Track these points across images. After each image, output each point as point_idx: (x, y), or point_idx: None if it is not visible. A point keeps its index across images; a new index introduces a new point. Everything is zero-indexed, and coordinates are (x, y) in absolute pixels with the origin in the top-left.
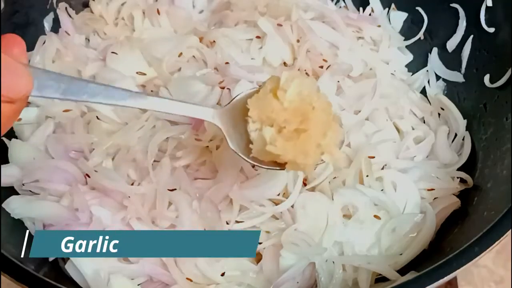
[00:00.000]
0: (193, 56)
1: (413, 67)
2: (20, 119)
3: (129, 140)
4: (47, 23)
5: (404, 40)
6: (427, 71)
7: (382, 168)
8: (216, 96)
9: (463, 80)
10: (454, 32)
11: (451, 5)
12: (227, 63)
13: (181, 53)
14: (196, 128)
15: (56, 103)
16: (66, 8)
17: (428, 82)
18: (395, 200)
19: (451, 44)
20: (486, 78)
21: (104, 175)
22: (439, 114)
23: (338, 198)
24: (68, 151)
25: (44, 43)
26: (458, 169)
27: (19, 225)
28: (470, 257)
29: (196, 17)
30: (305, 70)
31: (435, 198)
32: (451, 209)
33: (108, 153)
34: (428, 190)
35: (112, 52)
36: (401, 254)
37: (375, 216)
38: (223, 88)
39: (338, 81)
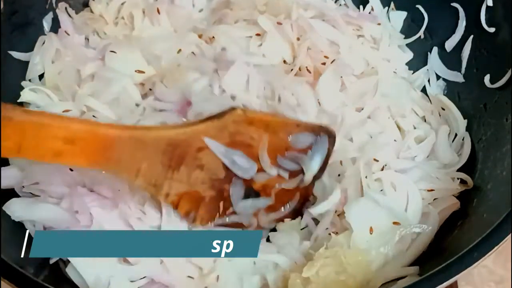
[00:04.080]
0: (192, 53)
1: (413, 66)
2: None
3: None
4: (46, 22)
5: (405, 38)
6: (428, 70)
7: (382, 169)
8: (215, 86)
9: (463, 80)
10: (454, 32)
11: (451, 4)
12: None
13: (180, 50)
14: (182, 112)
15: (55, 104)
16: (66, 8)
17: (429, 81)
18: (397, 201)
19: (450, 44)
20: (486, 79)
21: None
22: (439, 114)
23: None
24: None
25: (43, 43)
26: (458, 170)
27: (19, 228)
28: (469, 262)
29: (196, 15)
30: (306, 67)
31: (435, 199)
32: (450, 210)
33: None
34: (428, 190)
35: (111, 51)
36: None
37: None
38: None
39: (341, 76)
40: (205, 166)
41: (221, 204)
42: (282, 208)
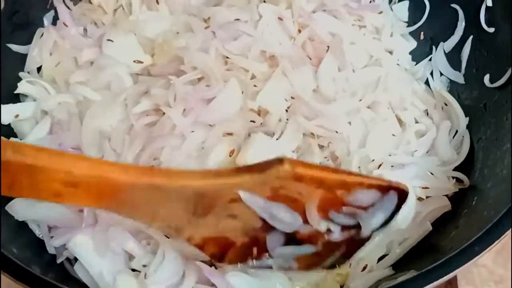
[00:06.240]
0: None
1: (415, 57)
2: (17, 116)
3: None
4: (47, 20)
5: (407, 26)
6: (429, 61)
7: (379, 167)
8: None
9: (463, 82)
10: (453, 33)
11: (451, 5)
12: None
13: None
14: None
15: (52, 96)
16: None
17: (432, 76)
18: None
19: (449, 45)
20: (486, 78)
21: None
22: (442, 108)
23: None
24: (65, 149)
25: (42, 35)
26: (456, 168)
27: (23, 227)
28: (470, 256)
29: (194, 2)
30: (307, 55)
31: (427, 197)
32: (441, 211)
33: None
34: (423, 188)
35: (108, 40)
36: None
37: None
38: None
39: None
40: (238, 216)
41: (255, 249)
42: (329, 259)
